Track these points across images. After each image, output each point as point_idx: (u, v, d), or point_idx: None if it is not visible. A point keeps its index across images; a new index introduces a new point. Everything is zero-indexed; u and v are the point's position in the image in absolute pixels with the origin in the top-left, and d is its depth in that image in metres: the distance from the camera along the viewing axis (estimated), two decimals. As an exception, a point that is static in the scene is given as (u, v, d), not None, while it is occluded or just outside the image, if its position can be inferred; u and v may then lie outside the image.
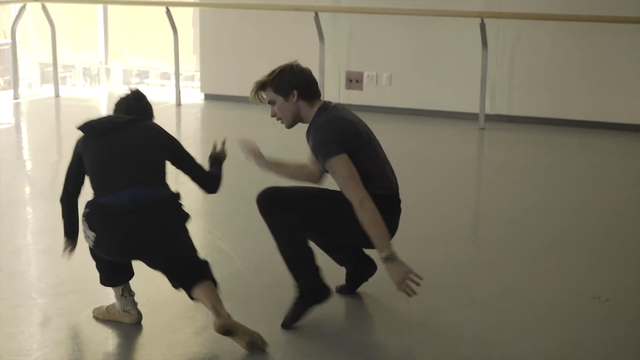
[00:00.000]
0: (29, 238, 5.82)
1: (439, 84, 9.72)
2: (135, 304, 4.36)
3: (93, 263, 4.33)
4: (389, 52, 9.88)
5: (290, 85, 4.40)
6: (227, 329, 4.00)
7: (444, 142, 8.93)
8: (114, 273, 4.33)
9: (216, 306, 4.09)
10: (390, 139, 8.92)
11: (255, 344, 4.03)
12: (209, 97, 10.84)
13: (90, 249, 4.24)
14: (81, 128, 4.32)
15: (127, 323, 4.34)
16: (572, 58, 9.22)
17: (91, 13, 11.79)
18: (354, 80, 10.00)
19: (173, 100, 10.63)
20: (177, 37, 10.47)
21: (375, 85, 9.94)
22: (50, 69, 11.37)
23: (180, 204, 4.30)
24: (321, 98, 4.54)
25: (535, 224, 6.16)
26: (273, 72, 4.44)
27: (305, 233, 4.38)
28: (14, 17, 11.18)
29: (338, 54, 9.99)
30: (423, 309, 4.54)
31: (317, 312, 4.39)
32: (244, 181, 6.01)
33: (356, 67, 10.00)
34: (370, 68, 9.96)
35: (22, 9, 11.00)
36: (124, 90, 4.69)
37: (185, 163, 4.55)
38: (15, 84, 11.13)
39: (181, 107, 10.42)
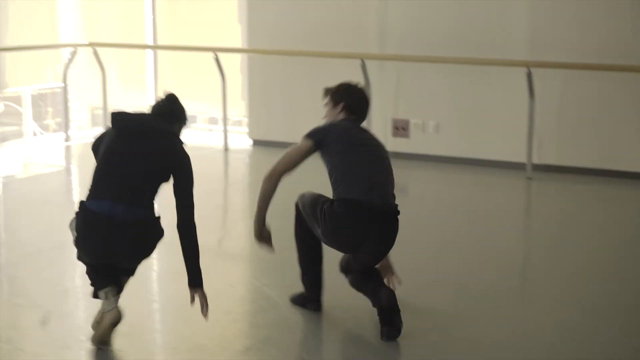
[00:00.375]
0: (77, 280, 5.87)
1: (486, 133, 9.70)
2: (115, 302, 4.57)
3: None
4: (435, 100, 9.89)
5: (342, 99, 5.18)
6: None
7: (491, 191, 8.89)
8: (98, 277, 4.62)
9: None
10: (437, 188, 9.00)
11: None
12: (257, 143, 10.91)
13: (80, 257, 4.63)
14: (113, 114, 4.71)
15: (108, 324, 4.56)
16: (621, 108, 9.16)
17: (141, 57, 11.96)
18: (400, 128, 10.02)
19: (221, 146, 10.71)
20: (226, 82, 10.58)
21: (422, 133, 9.94)
22: (100, 111, 11.53)
23: (155, 227, 4.64)
24: (363, 123, 5.21)
25: (586, 280, 6.05)
26: (340, 84, 5.28)
27: (320, 251, 5.12)
28: (65, 61, 11.36)
29: (385, 101, 10.02)
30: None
31: None
32: (289, 229, 6.02)
33: (403, 114, 10.02)
34: (417, 116, 9.97)
35: (74, 53, 11.19)
36: (161, 93, 4.88)
37: (176, 187, 4.75)
38: (66, 126, 11.30)
39: (229, 152, 10.50)
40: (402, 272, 5.78)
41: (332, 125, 5.13)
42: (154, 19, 11.82)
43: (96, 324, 4.67)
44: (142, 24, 11.86)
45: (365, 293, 4.95)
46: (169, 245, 5.68)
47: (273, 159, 9.88)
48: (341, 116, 5.16)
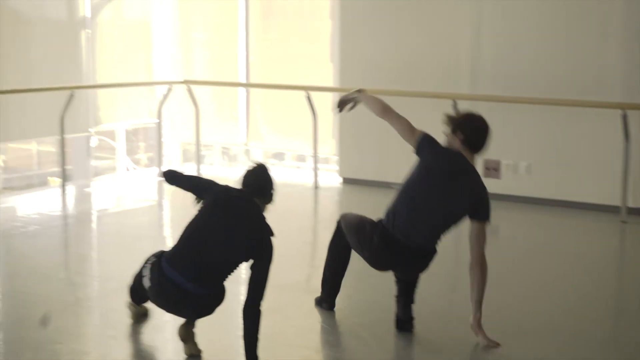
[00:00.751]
0: (166, 316, 5.91)
1: (579, 175, 9.56)
2: (137, 310, 5.48)
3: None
4: (527, 140, 9.80)
5: (460, 127, 5.39)
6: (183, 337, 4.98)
7: (583, 234, 8.75)
8: (138, 297, 5.38)
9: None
10: (528, 230, 8.89)
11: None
12: (347, 181, 10.92)
13: (139, 276, 5.13)
14: (218, 192, 5.05)
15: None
16: None
17: (233, 95, 12.10)
18: (491, 169, 9.94)
19: (310, 183, 10.75)
20: (317, 120, 10.63)
21: (514, 174, 9.85)
22: (191, 147, 11.67)
23: (220, 298, 4.94)
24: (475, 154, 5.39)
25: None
26: (464, 115, 5.56)
27: (345, 266, 5.77)
28: (160, 98, 11.55)
29: (476, 141, 9.94)
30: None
31: None
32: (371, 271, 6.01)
33: (494, 155, 9.92)
34: (508, 157, 9.88)
35: (169, 90, 11.37)
36: (251, 163, 5.01)
37: (253, 273, 4.85)
38: (159, 161, 11.47)
39: (319, 190, 10.52)
40: (490, 314, 5.73)
41: (439, 149, 5.45)
42: (247, 58, 11.96)
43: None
44: (235, 62, 12.01)
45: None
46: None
47: (362, 196, 10.02)
48: (456, 143, 5.38)
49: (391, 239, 5.33)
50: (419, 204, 5.31)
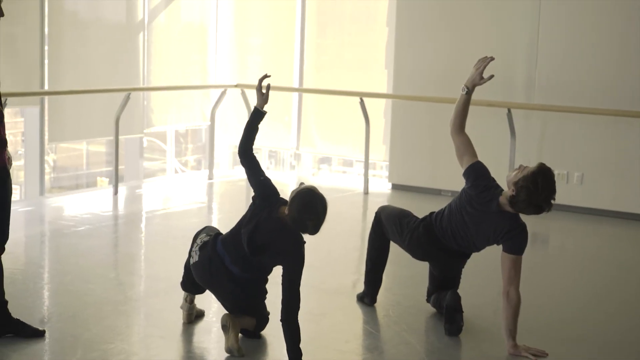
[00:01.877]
0: (212, 317, 5.94)
1: (631, 185, 9.47)
2: (189, 309, 5.57)
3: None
4: (581, 151, 9.72)
5: (516, 185, 5.24)
6: (224, 323, 5.10)
7: (635, 245, 8.66)
8: (190, 284, 5.48)
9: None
10: (579, 240, 8.81)
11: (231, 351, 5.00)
12: (396, 187, 10.91)
13: (188, 262, 5.43)
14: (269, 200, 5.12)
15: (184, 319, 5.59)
16: None
17: (287, 99, 12.12)
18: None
19: (359, 188, 10.75)
20: (369, 126, 10.62)
21: (566, 184, 9.77)
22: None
23: (256, 291, 5.24)
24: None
25: None
26: (532, 175, 5.28)
27: (385, 259, 6.05)
28: (213, 101, 11.61)
29: (529, 150, 9.90)
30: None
31: None
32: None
33: (547, 164, 9.83)
34: (561, 166, 9.81)
35: (223, 93, 11.43)
36: (299, 185, 5.01)
37: (283, 278, 4.96)
38: (211, 165, 11.53)
39: (369, 196, 10.51)
40: (538, 324, 5.70)
41: (488, 182, 5.47)
42: (301, 63, 11.98)
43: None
44: (290, 67, 12.04)
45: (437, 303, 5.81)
46: (306, 286, 5.72)
47: (413, 203, 10.00)
48: (505, 196, 5.31)
49: (433, 234, 5.63)
50: (454, 221, 5.53)
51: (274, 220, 5.02)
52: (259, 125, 5.29)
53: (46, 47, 9.90)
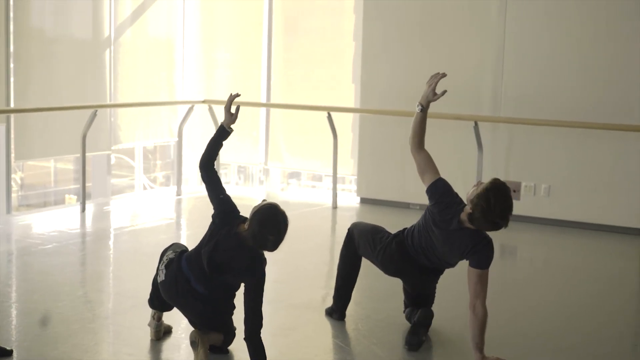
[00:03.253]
0: (181, 333, 5.91)
1: (599, 197, 9.53)
2: (156, 326, 5.53)
3: None
4: (548, 163, 9.78)
5: (472, 203, 5.20)
6: (192, 339, 5.04)
7: (603, 256, 8.71)
8: (158, 301, 5.43)
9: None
10: (546, 251, 8.86)
11: None
12: (364, 201, 10.92)
13: (155, 279, 5.38)
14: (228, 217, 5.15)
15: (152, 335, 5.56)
16: None
17: (254, 115, 12.11)
18: (511, 190, 9.88)
19: (328, 203, 10.75)
20: (337, 141, 10.63)
21: (533, 196, 9.83)
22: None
23: (220, 310, 5.19)
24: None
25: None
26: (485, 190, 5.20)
27: (356, 275, 6.02)
28: (181, 118, 11.58)
29: (496, 163, 9.95)
30: None
31: None
32: (397, 289, 5.99)
33: (514, 177, 9.92)
34: (528, 179, 9.87)
35: (190, 109, 11.41)
36: (261, 201, 5.03)
37: (245, 296, 4.98)
38: (179, 181, 11.49)
39: (337, 210, 10.51)
40: (506, 335, 5.72)
41: (450, 199, 5.42)
42: (268, 78, 11.97)
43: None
44: (257, 82, 12.03)
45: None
46: (276, 301, 5.72)
47: (381, 216, 10.04)
48: (467, 211, 5.25)
49: (405, 250, 5.63)
50: (423, 239, 5.55)
51: (233, 237, 5.02)
52: (223, 142, 5.30)
53: (12, 65, 9.84)
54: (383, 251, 5.73)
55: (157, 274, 5.38)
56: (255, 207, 4.96)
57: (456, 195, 5.45)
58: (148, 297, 5.56)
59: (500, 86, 9.92)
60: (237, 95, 5.37)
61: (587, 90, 9.48)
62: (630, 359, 5.83)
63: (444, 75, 5.60)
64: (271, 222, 4.87)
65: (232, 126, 5.30)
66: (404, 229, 5.75)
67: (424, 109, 5.72)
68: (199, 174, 5.31)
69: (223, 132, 5.29)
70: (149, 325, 5.61)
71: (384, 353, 5.47)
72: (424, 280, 5.77)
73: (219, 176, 5.31)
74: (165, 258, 5.34)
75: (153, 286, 5.49)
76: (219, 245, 5.05)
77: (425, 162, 5.58)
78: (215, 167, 5.33)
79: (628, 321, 6.66)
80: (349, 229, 6.07)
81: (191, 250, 5.29)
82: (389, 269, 5.79)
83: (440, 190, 5.44)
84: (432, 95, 5.63)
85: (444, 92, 5.58)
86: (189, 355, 5.17)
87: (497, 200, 5.11)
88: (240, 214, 5.13)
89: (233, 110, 5.34)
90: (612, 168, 9.46)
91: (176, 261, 5.23)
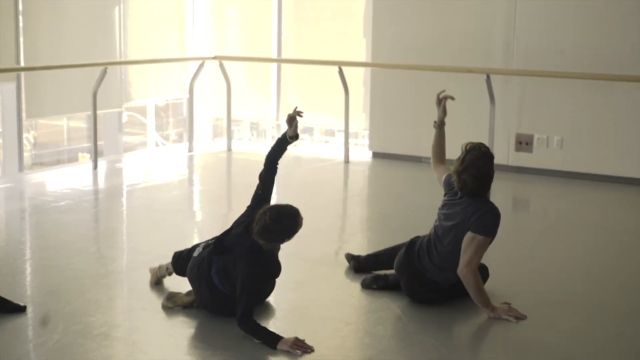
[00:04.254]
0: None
1: (612, 149, 9.49)
2: (161, 277, 5.73)
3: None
4: (560, 115, 9.73)
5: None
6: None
7: (615, 207, 8.69)
8: (180, 265, 5.52)
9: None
10: (560, 204, 8.84)
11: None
12: (376, 155, 10.89)
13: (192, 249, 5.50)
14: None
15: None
16: None
17: (265, 70, 12.07)
18: (524, 143, 9.88)
19: (340, 157, 10.72)
20: (348, 95, 10.59)
21: (546, 148, 9.78)
22: (220, 122, 11.63)
23: (220, 303, 5.16)
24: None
25: None
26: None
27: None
28: (192, 74, 11.55)
29: (509, 116, 9.90)
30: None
31: None
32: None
33: (527, 129, 9.88)
34: (541, 131, 9.82)
35: (201, 66, 11.37)
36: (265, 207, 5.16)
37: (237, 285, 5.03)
38: (190, 137, 11.47)
39: (349, 165, 10.50)
40: (519, 286, 5.73)
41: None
42: (279, 34, 11.92)
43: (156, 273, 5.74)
44: (268, 38, 11.97)
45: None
46: (289, 255, 5.72)
47: (393, 171, 10.02)
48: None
49: (412, 254, 5.62)
50: (432, 236, 5.59)
51: (243, 226, 5.21)
52: (287, 147, 5.61)
53: (21, 23, 9.81)
54: (395, 248, 5.85)
55: (196, 246, 5.46)
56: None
57: None
58: (176, 253, 5.62)
59: (512, 38, 9.85)
60: (300, 113, 5.62)
61: (599, 42, 9.39)
62: (636, 307, 5.85)
63: (451, 97, 5.82)
64: (286, 216, 5.12)
65: (292, 131, 5.56)
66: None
67: (440, 125, 5.87)
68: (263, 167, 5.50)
69: (285, 140, 5.56)
70: (154, 271, 5.75)
71: (396, 306, 5.47)
72: (414, 288, 5.56)
73: (274, 179, 5.50)
74: (211, 239, 5.40)
75: (188, 251, 5.54)
76: (231, 229, 5.28)
77: (441, 176, 5.72)
78: (276, 166, 5.55)
79: (635, 270, 6.63)
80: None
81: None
82: (396, 265, 5.72)
83: (450, 179, 5.53)
84: (444, 114, 5.86)
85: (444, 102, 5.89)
86: (202, 312, 5.20)
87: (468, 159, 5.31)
88: None
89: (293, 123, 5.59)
90: (625, 119, 9.40)
91: (211, 246, 5.28)
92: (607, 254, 6.93)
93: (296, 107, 5.62)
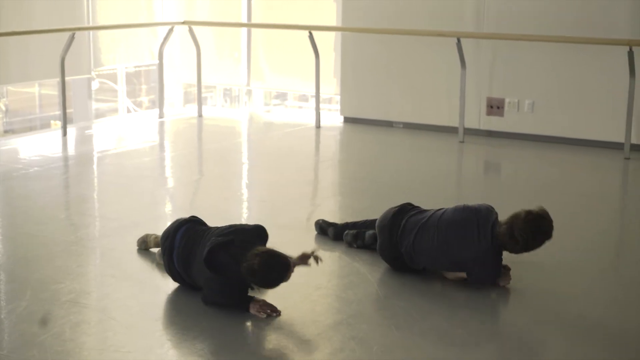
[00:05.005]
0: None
1: (583, 112, 9.51)
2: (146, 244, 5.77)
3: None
4: (531, 78, 9.73)
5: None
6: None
7: (586, 170, 8.72)
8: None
9: None
10: (531, 167, 8.87)
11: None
12: (348, 120, 10.87)
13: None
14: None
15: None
16: None
17: (235, 35, 12.00)
18: (495, 107, 9.89)
19: (312, 123, 10.69)
20: (319, 60, 10.54)
21: (517, 112, 9.80)
22: (193, 89, 11.57)
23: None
24: None
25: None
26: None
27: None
28: (161, 40, 11.46)
29: (479, 79, 9.90)
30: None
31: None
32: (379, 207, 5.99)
33: (498, 93, 9.89)
34: (512, 95, 9.83)
35: (170, 31, 11.27)
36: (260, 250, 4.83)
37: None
38: (160, 103, 11.40)
39: (320, 130, 10.47)
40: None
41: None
42: (248, -3, 11.85)
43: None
44: (238, 2, 11.89)
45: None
46: (260, 221, 5.70)
47: (364, 136, 9.96)
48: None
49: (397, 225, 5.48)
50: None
51: (239, 253, 4.87)
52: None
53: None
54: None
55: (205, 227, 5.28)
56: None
57: None
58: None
59: (483, 2, 9.82)
60: (316, 257, 5.00)
61: (570, 4, 9.39)
62: (613, 267, 5.88)
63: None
64: (272, 268, 4.77)
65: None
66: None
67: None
68: None
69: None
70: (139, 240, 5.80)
71: (365, 269, 5.48)
72: (386, 254, 5.52)
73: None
74: (213, 235, 5.08)
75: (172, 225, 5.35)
76: (233, 242, 4.94)
77: None
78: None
79: (609, 233, 6.71)
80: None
81: (197, 227, 5.23)
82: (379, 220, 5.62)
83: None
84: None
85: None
86: (175, 283, 5.19)
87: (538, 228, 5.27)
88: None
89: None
90: (596, 83, 9.42)
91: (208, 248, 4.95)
92: (578, 216, 6.95)
93: (314, 252, 5.03)
